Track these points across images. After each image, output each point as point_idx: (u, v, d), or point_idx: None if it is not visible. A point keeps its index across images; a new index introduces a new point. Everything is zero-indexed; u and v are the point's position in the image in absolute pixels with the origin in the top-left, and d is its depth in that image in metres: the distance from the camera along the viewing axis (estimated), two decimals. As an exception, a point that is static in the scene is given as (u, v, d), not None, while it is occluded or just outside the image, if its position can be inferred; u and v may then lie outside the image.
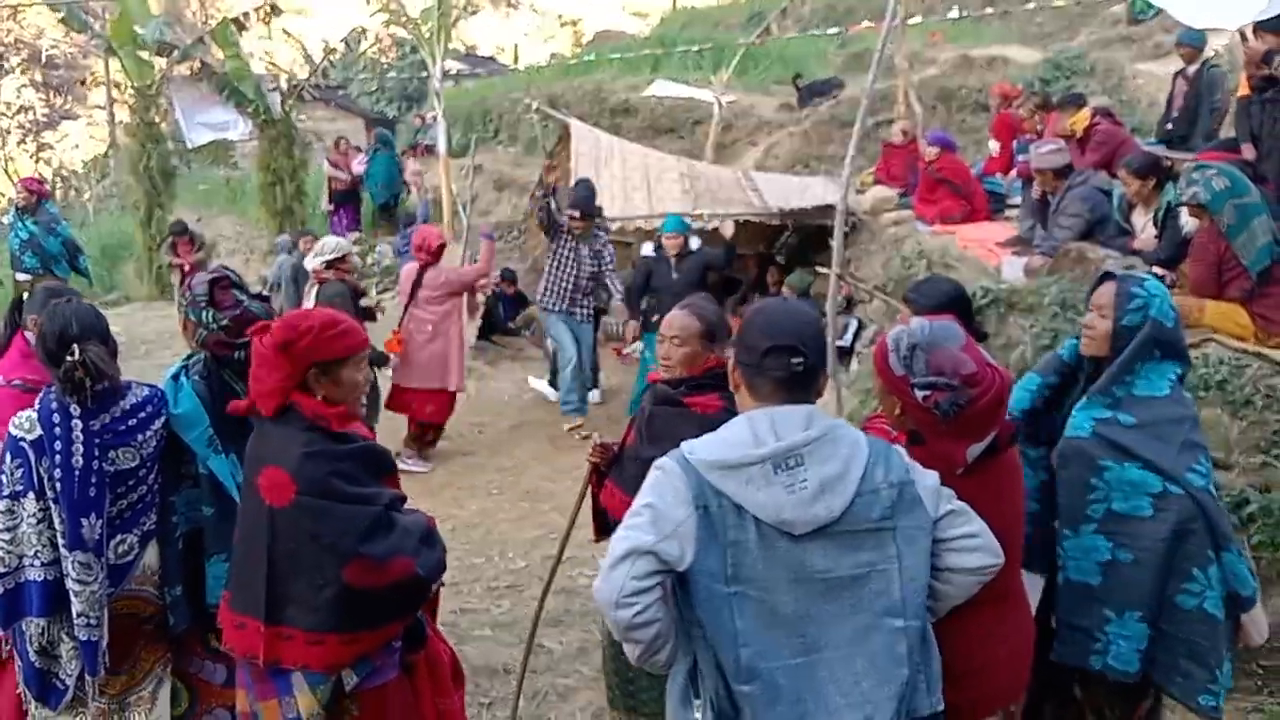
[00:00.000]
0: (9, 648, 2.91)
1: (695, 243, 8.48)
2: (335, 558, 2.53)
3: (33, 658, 2.85)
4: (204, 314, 3.11)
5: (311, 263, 7.42)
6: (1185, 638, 2.76)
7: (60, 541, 2.77)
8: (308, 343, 2.59)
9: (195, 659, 3.11)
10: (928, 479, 2.22)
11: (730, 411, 3.19)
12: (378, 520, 2.60)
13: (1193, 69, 8.35)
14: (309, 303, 7.17)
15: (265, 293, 9.42)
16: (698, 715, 2.16)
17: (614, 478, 3.39)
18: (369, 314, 7.39)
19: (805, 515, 2.08)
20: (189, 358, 3.16)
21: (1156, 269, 5.72)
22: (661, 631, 2.11)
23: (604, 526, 3.57)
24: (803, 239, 11.11)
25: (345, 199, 15.71)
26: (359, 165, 15.76)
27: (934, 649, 2.23)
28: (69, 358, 2.81)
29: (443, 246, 8.17)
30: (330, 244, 7.51)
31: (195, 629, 3.06)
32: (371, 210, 16.35)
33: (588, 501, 3.62)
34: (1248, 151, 6.73)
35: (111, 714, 2.98)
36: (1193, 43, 8.45)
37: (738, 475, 2.10)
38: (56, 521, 2.77)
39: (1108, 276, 2.96)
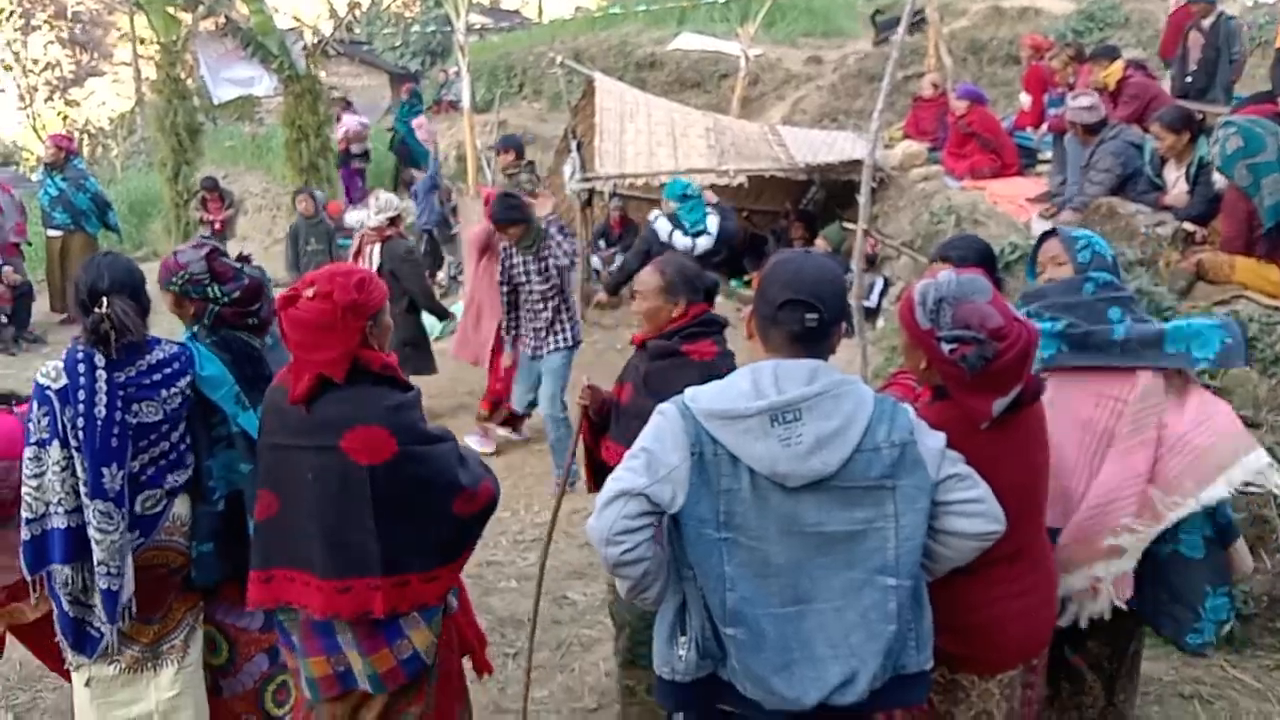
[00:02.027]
0: (38, 594, 2.97)
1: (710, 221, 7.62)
2: (444, 495, 2.66)
3: (65, 606, 2.91)
4: (210, 289, 3.13)
5: (375, 220, 7.22)
6: (1164, 580, 2.90)
7: (82, 490, 2.82)
8: (363, 297, 2.61)
9: (234, 609, 3.16)
10: (932, 440, 2.22)
11: (725, 355, 3.24)
12: (459, 454, 2.75)
13: (1208, 22, 8.24)
14: (365, 261, 7.04)
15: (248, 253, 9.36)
16: (682, 652, 2.24)
17: (614, 436, 3.41)
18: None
19: (800, 469, 2.11)
20: (193, 326, 3.18)
21: (1187, 225, 5.66)
22: (650, 570, 2.17)
23: (601, 476, 3.61)
24: (829, 195, 11.03)
25: (338, 161, 15.19)
26: (341, 127, 15.13)
27: (926, 607, 2.27)
28: (96, 309, 2.85)
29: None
30: (392, 201, 7.32)
31: (231, 579, 3.10)
32: (395, 166, 16.26)
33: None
34: (1283, 104, 6.61)
35: (145, 662, 3.04)
36: None
37: (735, 425, 2.13)
38: (79, 470, 2.82)
39: (1049, 234, 3.14)
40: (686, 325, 3.32)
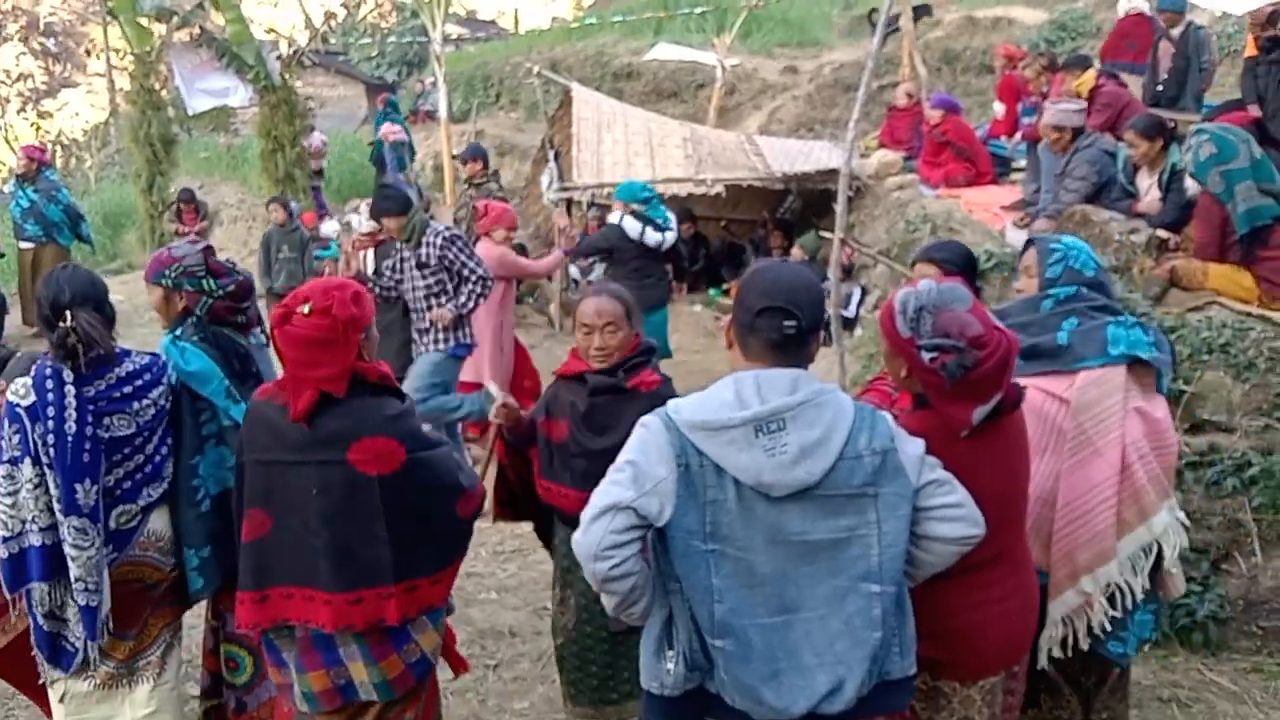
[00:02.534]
0: (17, 612, 2.94)
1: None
2: (448, 498, 2.72)
3: (41, 621, 2.88)
4: (205, 282, 3.16)
5: (367, 226, 7.15)
6: None
7: (56, 507, 2.80)
8: (360, 311, 2.61)
9: None
10: (912, 447, 2.23)
11: (667, 381, 3.19)
12: (454, 457, 2.78)
13: (1177, 31, 8.34)
14: (360, 266, 6.99)
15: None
16: (670, 666, 2.23)
17: (550, 476, 3.26)
18: None
19: (784, 478, 2.11)
20: (177, 327, 3.17)
21: (1161, 232, 5.72)
22: (638, 584, 2.17)
23: (507, 500, 3.55)
24: (806, 204, 11.08)
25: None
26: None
27: (909, 614, 2.27)
28: (62, 324, 2.84)
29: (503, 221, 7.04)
30: None
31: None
32: (375, 177, 16.16)
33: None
34: (1254, 112, 6.71)
35: (120, 678, 3.01)
36: (1174, 8, 8.47)
37: (719, 436, 2.13)
38: (52, 487, 2.80)
39: (1030, 243, 3.15)
40: (630, 356, 3.19)
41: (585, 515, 2.15)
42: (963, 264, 3.21)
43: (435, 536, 2.70)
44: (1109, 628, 2.88)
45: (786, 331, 2.18)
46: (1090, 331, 2.91)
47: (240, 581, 2.71)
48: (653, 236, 7.21)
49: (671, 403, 2.24)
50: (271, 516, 2.65)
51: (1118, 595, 2.88)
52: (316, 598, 2.61)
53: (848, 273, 8.87)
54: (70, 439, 2.78)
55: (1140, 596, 2.90)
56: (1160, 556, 2.93)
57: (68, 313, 2.84)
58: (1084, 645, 2.91)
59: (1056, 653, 2.92)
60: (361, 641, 2.63)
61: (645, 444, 2.18)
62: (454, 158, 8.86)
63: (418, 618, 2.68)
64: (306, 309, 2.55)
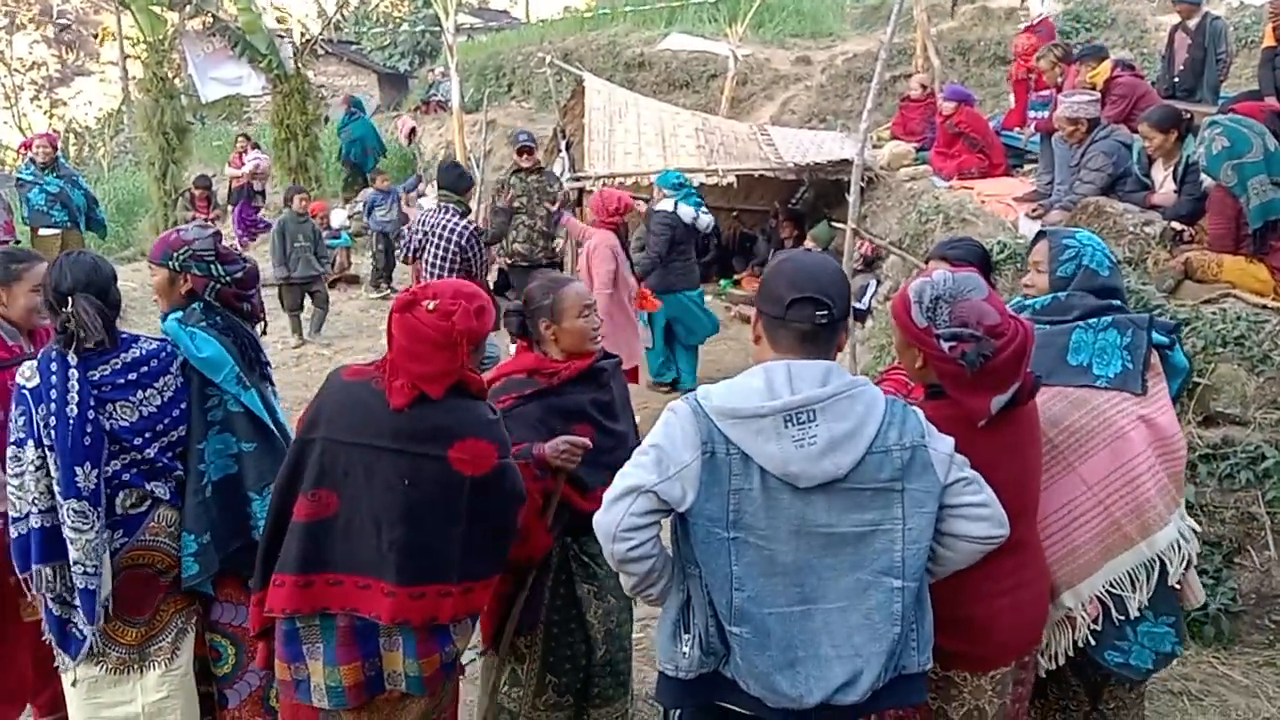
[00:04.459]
0: (31, 594, 2.96)
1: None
2: (516, 507, 2.73)
3: (50, 605, 2.90)
4: (213, 268, 3.13)
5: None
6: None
7: (56, 489, 2.81)
8: (479, 325, 2.60)
9: (242, 609, 3.09)
10: (942, 444, 2.22)
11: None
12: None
13: (1193, 22, 8.27)
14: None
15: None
16: (686, 649, 2.24)
17: (600, 483, 2.84)
18: None
19: (812, 470, 2.10)
20: (178, 312, 3.15)
21: (1175, 224, 5.68)
22: (656, 567, 2.19)
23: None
24: (818, 194, 11.05)
25: (239, 195, 14.72)
26: (251, 162, 14.71)
27: (928, 609, 2.27)
28: (63, 309, 2.87)
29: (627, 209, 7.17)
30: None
31: (235, 578, 3.07)
32: (342, 174, 15.90)
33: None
34: (1273, 103, 6.65)
35: (131, 664, 3.02)
36: None
37: (748, 425, 2.12)
38: (52, 469, 2.81)
39: (1041, 235, 3.04)
40: None
41: (608, 496, 2.16)
42: (976, 260, 3.14)
43: (498, 542, 2.71)
44: (1093, 641, 2.79)
45: (819, 321, 2.17)
46: (1052, 336, 2.76)
47: (281, 562, 2.61)
48: (704, 220, 7.80)
49: (701, 389, 2.24)
50: (341, 499, 2.58)
51: (1112, 606, 2.78)
52: (375, 588, 2.57)
53: (870, 264, 8.85)
54: (71, 422, 2.79)
55: (1135, 613, 2.79)
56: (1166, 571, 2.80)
57: (70, 298, 2.87)
58: (1067, 655, 2.82)
59: (1046, 664, 2.83)
60: (410, 636, 2.60)
61: (671, 428, 2.18)
62: (519, 151, 8.85)
63: (463, 620, 2.69)
64: (432, 305, 2.53)
